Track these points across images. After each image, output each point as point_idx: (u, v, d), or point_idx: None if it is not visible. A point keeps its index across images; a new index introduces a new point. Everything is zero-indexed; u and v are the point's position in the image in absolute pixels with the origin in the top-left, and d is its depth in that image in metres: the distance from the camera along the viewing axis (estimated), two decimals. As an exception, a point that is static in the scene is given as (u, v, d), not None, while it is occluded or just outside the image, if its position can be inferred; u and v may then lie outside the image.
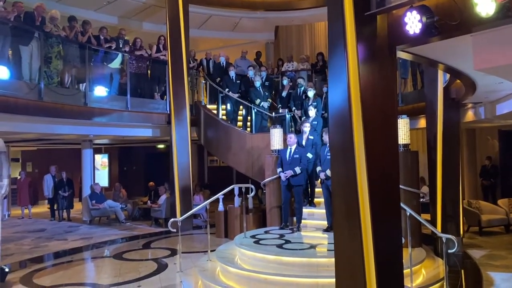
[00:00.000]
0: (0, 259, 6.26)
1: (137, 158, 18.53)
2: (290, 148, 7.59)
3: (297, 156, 7.49)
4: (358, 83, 3.86)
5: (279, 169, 7.58)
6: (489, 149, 12.09)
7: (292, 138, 7.66)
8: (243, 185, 8.29)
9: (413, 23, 3.51)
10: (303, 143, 8.00)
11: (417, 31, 3.50)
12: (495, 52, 3.57)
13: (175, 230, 7.26)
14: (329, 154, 6.96)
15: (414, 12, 3.48)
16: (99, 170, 17.56)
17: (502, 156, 11.82)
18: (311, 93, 9.43)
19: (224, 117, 11.16)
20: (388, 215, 3.96)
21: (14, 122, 7.96)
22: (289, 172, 7.39)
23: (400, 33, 3.69)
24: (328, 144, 6.97)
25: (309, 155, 7.89)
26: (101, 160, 18.13)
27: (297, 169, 7.40)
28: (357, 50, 3.85)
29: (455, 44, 3.82)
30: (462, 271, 6.78)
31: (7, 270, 6.66)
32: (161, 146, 17.21)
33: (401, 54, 4.32)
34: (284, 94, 10.55)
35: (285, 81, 10.84)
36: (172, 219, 7.49)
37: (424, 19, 3.42)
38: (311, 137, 8.01)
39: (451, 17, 3.39)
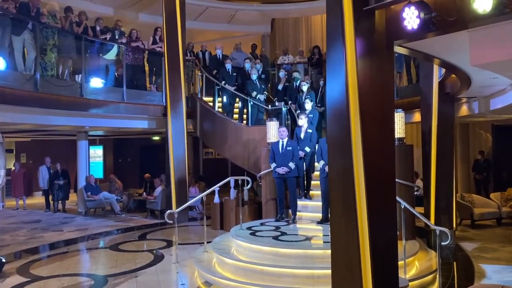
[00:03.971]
0: (-3, 249, 6.28)
1: (132, 150, 18.47)
2: (282, 141, 7.63)
3: (290, 148, 7.55)
4: (356, 77, 3.90)
5: (273, 164, 7.60)
6: (482, 144, 12.21)
7: (285, 131, 7.70)
8: (239, 178, 8.34)
9: (411, 18, 3.56)
10: (301, 136, 8.02)
11: (415, 26, 3.55)
12: (491, 48, 3.63)
13: (171, 222, 7.30)
14: None
15: (412, 7, 3.53)
16: (94, 162, 17.51)
17: (495, 150, 11.96)
18: (305, 87, 9.47)
19: (220, 109, 11.17)
20: (384, 207, 4.03)
21: (10, 113, 7.95)
22: (285, 169, 7.45)
23: (398, 28, 3.74)
24: None
25: (307, 149, 7.91)
26: (96, 151, 18.08)
27: (291, 165, 7.47)
28: (355, 44, 3.88)
29: (452, 39, 3.87)
30: (455, 263, 6.87)
31: (4, 260, 6.70)
32: (156, 138, 17.19)
33: (398, 49, 4.35)
34: (280, 87, 10.55)
35: (281, 74, 10.83)
36: (168, 211, 7.49)
37: (422, 14, 3.48)
38: (309, 131, 8.04)
39: (448, 13, 3.44)
